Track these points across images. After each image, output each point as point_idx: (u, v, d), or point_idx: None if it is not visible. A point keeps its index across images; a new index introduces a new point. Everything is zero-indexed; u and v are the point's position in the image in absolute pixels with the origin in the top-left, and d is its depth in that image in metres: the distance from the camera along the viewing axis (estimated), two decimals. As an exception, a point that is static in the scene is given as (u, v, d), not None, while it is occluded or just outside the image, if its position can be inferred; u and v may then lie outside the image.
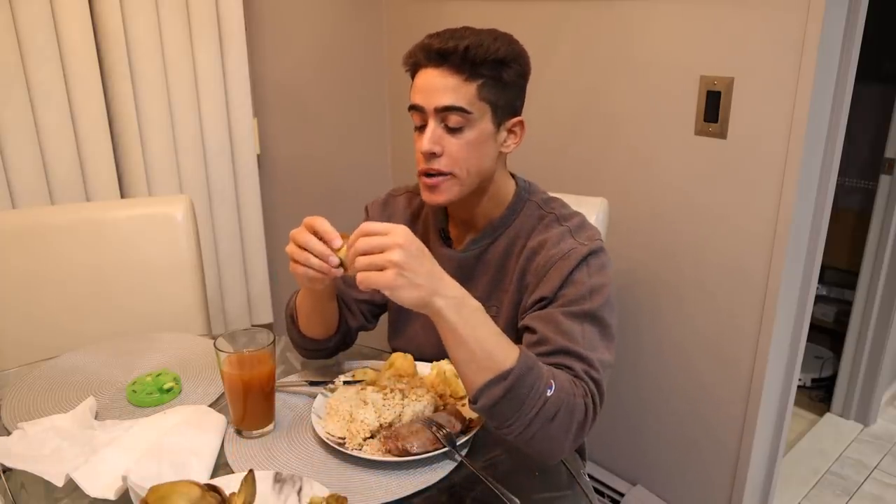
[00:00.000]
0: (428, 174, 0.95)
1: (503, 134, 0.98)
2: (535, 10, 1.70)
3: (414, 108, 0.95)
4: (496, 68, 0.93)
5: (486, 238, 1.03)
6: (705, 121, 1.46)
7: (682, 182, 1.53)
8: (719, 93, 1.42)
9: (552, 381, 0.79)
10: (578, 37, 1.66)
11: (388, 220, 1.13)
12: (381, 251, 0.75)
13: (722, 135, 1.43)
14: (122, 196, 1.71)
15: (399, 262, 0.74)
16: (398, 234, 0.76)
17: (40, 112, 1.53)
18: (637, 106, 1.58)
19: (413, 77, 0.96)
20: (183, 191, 1.78)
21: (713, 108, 1.43)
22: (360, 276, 0.76)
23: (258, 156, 1.96)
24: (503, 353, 0.78)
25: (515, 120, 0.99)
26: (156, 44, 1.64)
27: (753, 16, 1.34)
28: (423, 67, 0.94)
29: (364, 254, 0.76)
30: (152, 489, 0.70)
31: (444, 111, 0.92)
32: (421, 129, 0.95)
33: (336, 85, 2.16)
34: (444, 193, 0.96)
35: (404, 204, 1.15)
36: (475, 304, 0.80)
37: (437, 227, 1.09)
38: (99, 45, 1.59)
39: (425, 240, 1.09)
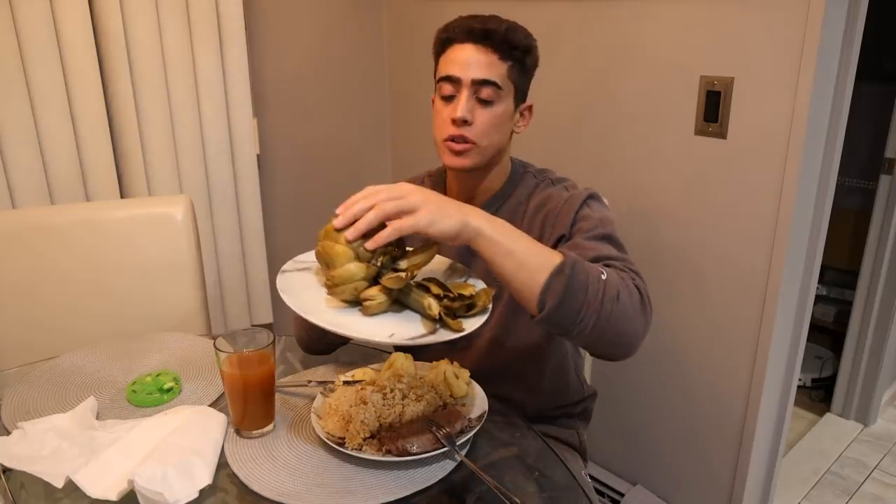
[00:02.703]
0: (454, 139, 1.02)
1: (517, 115, 1.08)
2: (535, 11, 1.70)
3: (448, 78, 1.02)
4: (523, 54, 1.03)
5: (490, 207, 1.09)
6: (705, 121, 1.46)
7: (682, 182, 1.53)
8: (719, 93, 1.42)
9: (601, 268, 0.82)
10: (579, 37, 1.66)
11: None
12: (399, 200, 0.78)
13: (722, 135, 1.43)
14: (122, 196, 1.71)
15: (422, 201, 0.77)
16: (402, 185, 0.80)
17: (40, 112, 1.53)
18: (637, 106, 1.58)
19: (441, 52, 1.05)
20: (183, 191, 1.78)
21: (713, 108, 1.43)
22: (395, 225, 0.76)
23: (258, 156, 1.96)
24: (548, 253, 0.81)
25: (527, 104, 1.10)
26: (156, 44, 1.64)
27: (753, 16, 1.34)
28: (460, 43, 1.02)
29: (386, 213, 0.77)
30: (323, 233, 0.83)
31: (480, 84, 1.00)
32: (449, 98, 1.03)
33: (336, 85, 2.16)
34: (469, 158, 1.04)
35: None
36: (502, 220, 0.83)
37: None
38: (99, 45, 1.59)
39: None
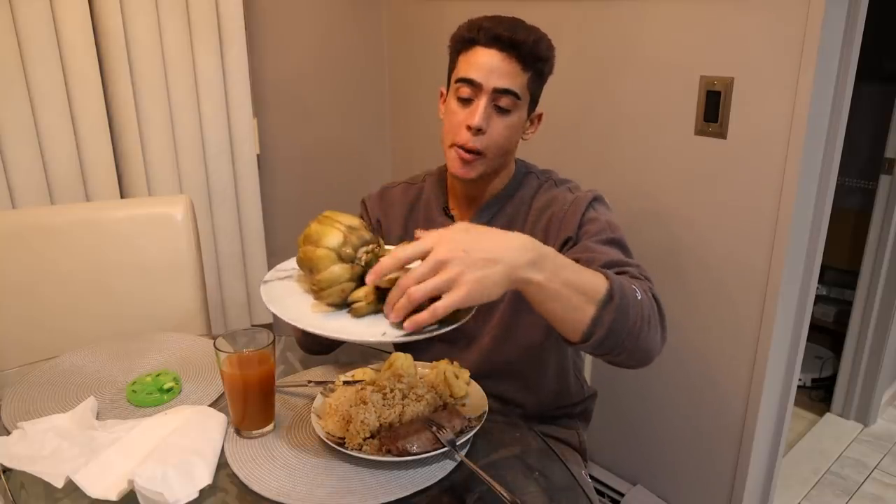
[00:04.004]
0: (465, 149, 1.01)
1: (527, 123, 1.08)
2: (535, 11, 1.70)
3: (468, 81, 1.00)
4: (544, 64, 1.03)
5: (491, 208, 1.10)
6: (705, 121, 1.46)
7: (682, 182, 1.53)
8: (719, 93, 1.42)
9: (634, 286, 0.80)
10: (579, 37, 1.66)
11: (386, 210, 1.16)
12: (434, 274, 0.69)
13: (722, 135, 1.43)
14: (122, 196, 1.71)
15: (457, 272, 0.68)
16: (439, 246, 0.70)
17: (40, 112, 1.53)
18: (637, 106, 1.58)
19: (462, 51, 1.02)
20: (183, 191, 1.78)
21: (713, 108, 1.43)
22: (433, 312, 0.69)
23: (258, 156, 1.96)
24: (592, 280, 0.77)
25: (538, 112, 1.10)
26: (156, 44, 1.64)
27: (753, 16, 1.34)
28: (485, 47, 0.99)
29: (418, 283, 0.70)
30: (305, 234, 0.82)
31: (500, 92, 0.99)
32: (466, 101, 1.01)
33: (336, 85, 2.16)
34: (476, 169, 1.03)
35: (400, 194, 1.19)
36: (548, 251, 0.76)
37: (440, 206, 1.13)
38: (99, 45, 1.59)
39: (427, 221, 1.12)
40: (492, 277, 0.70)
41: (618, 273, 0.86)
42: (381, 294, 0.81)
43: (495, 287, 0.70)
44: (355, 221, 0.84)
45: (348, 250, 0.81)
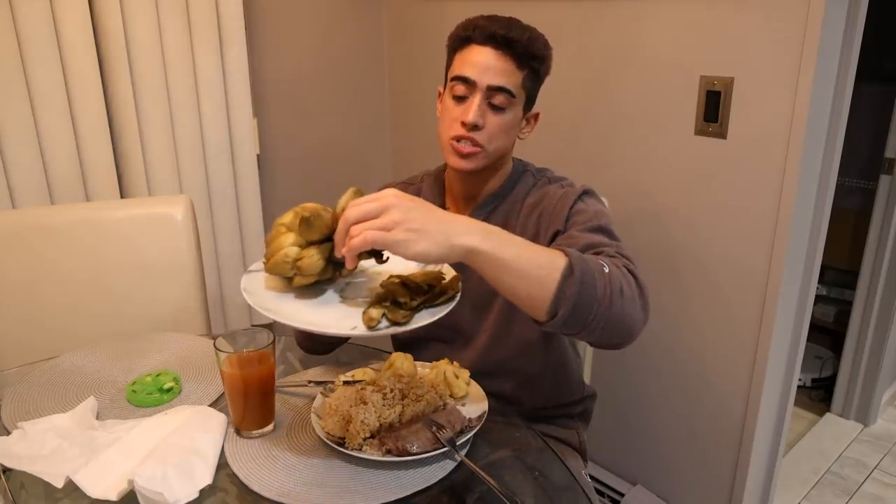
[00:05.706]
0: (459, 139, 1.02)
1: (523, 122, 1.09)
2: (535, 11, 1.70)
3: (463, 79, 1.01)
4: (539, 63, 1.04)
5: (487, 206, 1.10)
6: (705, 121, 1.46)
7: (682, 182, 1.53)
8: (719, 93, 1.42)
9: (601, 261, 0.80)
10: (579, 37, 1.66)
11: None
12: (376, 216, 0.72)
13: (722, 135, 1.43)
14: (122, 196, 1.71)
15: (401, 219, 0.71)
16: (387, 195, 0.73)
17: (40, 112, 1.53)
18: (637, 106, 1.58)
19: (458, 49, 1.04)
20: (183, 191, 1.78)
21: (713, 108, 1.43)
22: (363, 237, 0.71)
23: (258, 155, 1.96)
24: (549, 255, 0.77)
25: (535, 111, 1.11)
26: (156, 44, 1.64)
27: (753, 16, 1.34)
28: (480, 45, 1.01)
29: (358, 222, 0.73)
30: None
31: (494, 90, 1.00)
32: (461, 99, 1.03)
33: (336, 85, 2.16)
34: (474, 162, 1.04)
35: None
36: (495, 228, 0.77)
37: (436, 205, 1.12)
38: (99, 45, 1.59)
39: None
40: (429, 235, 0.72)
41: (595, 253, 0.86)
42: (327, 252, 0.81)
43: (431, 245, 0.72)
44: (318, 208, 0.86)
45: (297, 222, 0.83)
